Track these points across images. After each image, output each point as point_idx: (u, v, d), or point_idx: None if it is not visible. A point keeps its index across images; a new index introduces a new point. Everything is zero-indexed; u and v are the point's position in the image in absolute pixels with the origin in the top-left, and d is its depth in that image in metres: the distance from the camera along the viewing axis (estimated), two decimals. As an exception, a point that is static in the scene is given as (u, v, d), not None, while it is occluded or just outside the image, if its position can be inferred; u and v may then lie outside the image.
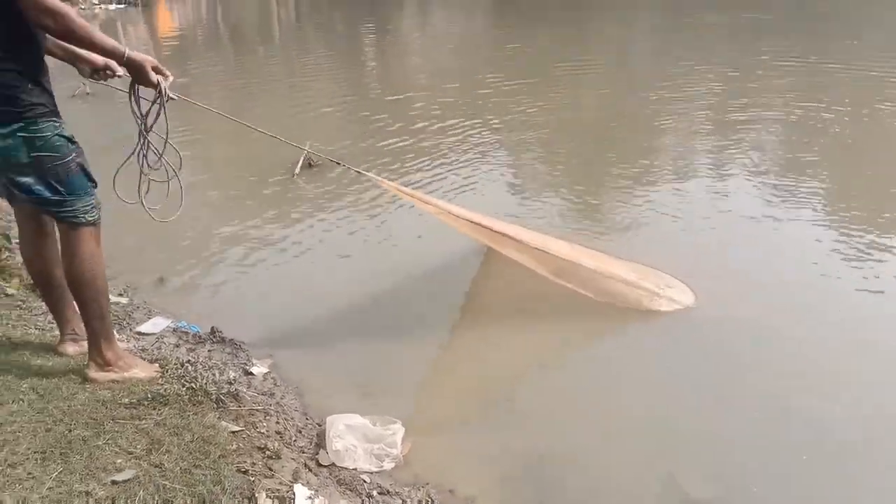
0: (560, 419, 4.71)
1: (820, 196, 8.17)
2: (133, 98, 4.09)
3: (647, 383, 5.00)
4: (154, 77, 3.91)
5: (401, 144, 10.33)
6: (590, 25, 21.87)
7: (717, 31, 19.20)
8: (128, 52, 3.77)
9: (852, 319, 5.63)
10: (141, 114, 4.14)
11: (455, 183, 8.81)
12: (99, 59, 4.08)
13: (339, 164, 5.68)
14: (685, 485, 4.06)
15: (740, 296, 5.86)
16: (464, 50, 18.38)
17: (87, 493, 3.19)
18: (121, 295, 6.03)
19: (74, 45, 3.72)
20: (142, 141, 4.24)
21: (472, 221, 5.56)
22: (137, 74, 3.90)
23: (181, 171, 4.45)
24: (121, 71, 4.11)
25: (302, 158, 9.00)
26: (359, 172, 5.50)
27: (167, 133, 4.23)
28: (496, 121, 11.49)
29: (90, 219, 3.93)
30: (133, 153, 4.29)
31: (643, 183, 8.73)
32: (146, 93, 4.04)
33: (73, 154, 3.82)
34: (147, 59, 3.87)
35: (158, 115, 4.12)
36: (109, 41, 3.68)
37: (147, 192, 4.40)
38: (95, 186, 3.99)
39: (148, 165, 4.33)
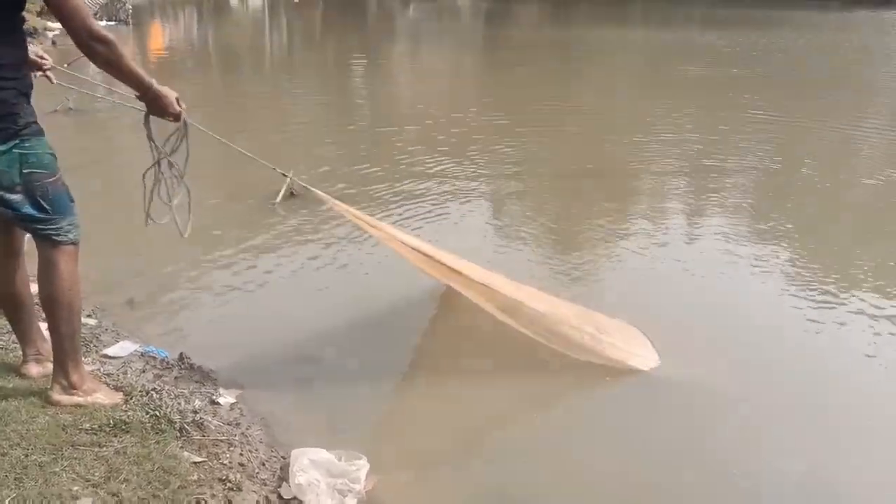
0: (525, 461, 4.68)
1: (792, 252, 8.25)
2: (147, 127, 4.23)
3: (607, 433, 4.98)
4: (177, 108, 4.00)
5: (381, 175, 10.40)
6: (574, 66, 22.26)
7: (700, 84, 19.57)
8: (155, 84, 3.87)
9: (814, 383, 5.62)
10: (157, 145, 4.35)
11: (427, 216, 8.89)
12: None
13: (315, 191, 5.66)
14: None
15: (704, 355, 5.77)
16: (451, 86, 18.62)
17: (41, 521, 3.13)
18: (89, 316, 5.96)
19: (111, 73, 3.75)
20: (159, 168, 4.45)
21: (436, 260, 5.52)
22: (158, 106, 3.97)
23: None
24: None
25: (284, 187, 9.01)
26: (327, 199, 5.53)
27: (187, 159, 4.46)
28: (477, 157, 11.60)
29: (73, 237, 3.94)
30: (154, 182, 4.49)
31: (617, 232, 8.71)
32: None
33: (60, 171, 3.85)
34: (171, 91, 3.98)
35: (179, 143, 4.33)
36: (140, 72, 3.80)
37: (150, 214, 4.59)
38: (73, 203, 3.99)
39: (168, 195, 4.54)
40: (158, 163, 4.41)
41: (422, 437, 4.99)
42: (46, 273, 3.91)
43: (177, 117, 4.10)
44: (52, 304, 3.95)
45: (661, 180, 10.99)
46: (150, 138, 4.31)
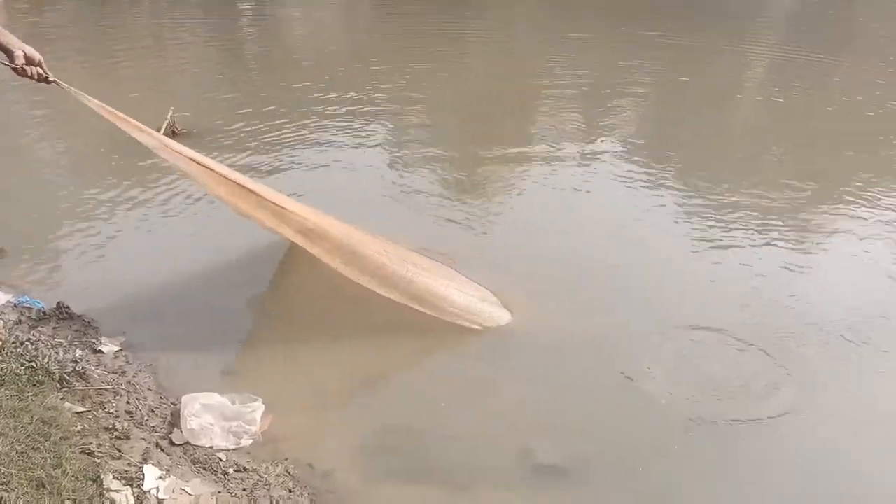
0: (404, 402, 4.80)
1: (676, 191, 8.57)
2: None
3: (470, 380, 5.03)
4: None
5: (278, 114, 10.00)
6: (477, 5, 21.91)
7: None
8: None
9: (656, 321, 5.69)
10: None
11: (322, 158, 8.67)
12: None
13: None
14: (538, 455, 4.30)
15: (558, 312, 5.75)
16: (346, 32, 17.97)
17: None
18: (-45, 268, 5.58)
19: None
20: None
21: (257, 196, 5.03)
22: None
23: None
24: None
25: (164, 125, 8.58)
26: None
27: None
28: (378, 97, 11.31)
29: None
30: None
31: (506, 182, 8.53)
32: None
33: None
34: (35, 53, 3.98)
35: None
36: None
37: None
38: None
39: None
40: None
41: (316, 378, 4.98)
42: None
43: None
44: None
45: (560, 118, 11.08)
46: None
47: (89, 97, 4.62)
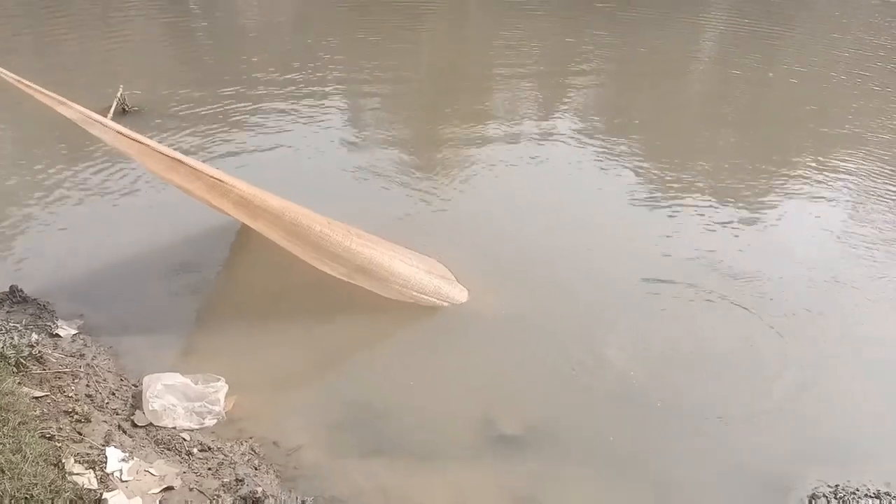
0: (378, 376, 4.85)
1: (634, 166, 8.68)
2: None
3: (429, 356, 5.09)
4: None
5: (230, 91, 9.81)
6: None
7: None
8: None
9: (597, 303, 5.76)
10: None
11: (276, 138, 8.55)
12: None
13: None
14: (498, 426, 4.41)
15: (515, 287, 5.81)
16: (298, 5, 17.54)
17: None
18: None
19: None
20: None
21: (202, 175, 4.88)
22: None
23: None
24: None
25: (115, 103, 8.39)
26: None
27: None
28: (332, 72, 11.16)
29: None
30: None
31: (464, 161, 8.34)
32: None
33: None
34: None
35: None
36: None
37: None
38: None
39: None
40: None
41: (273, 359, 4.96)
42: None
43: None
44: None
45: (513, 88, 11.06)
46: None
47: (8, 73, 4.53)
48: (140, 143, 4.80)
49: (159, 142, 7.84)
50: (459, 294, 5.55)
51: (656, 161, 8.32)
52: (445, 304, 5.45)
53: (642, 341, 5.22)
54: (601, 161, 8.27)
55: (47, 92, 4.69)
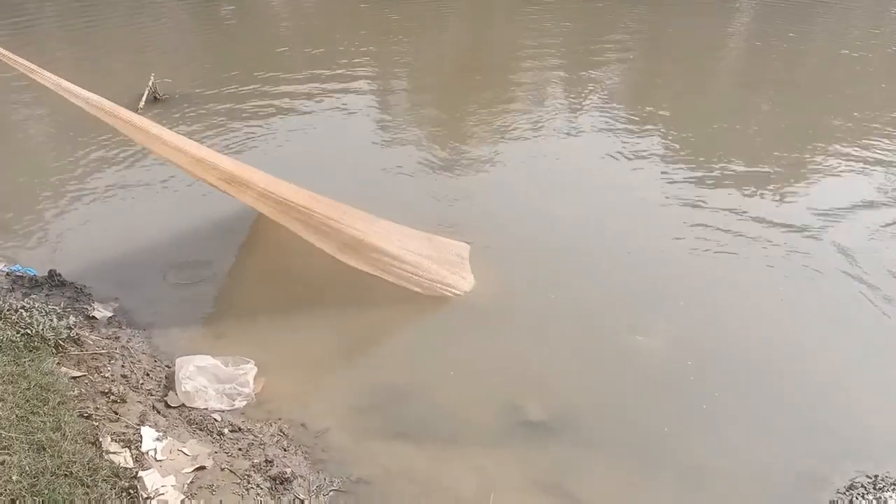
0: (403, 360, 4.91)
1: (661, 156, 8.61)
2: None
3: (443, 343, 5.09)
4: None
5: (259, 79, 9.92)
6: None
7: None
8: None
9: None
10: None
11: (302, 123, 8.64)
12: None
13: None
14: (525, 409, 4.44)
15: (533, 277, 5.78)
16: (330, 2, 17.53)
17: (-89, 446, 3.05)
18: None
19: None
20: None
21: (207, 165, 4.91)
22: None
23: None
24: None
25: (146, 91, 8.53)
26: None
27: None
28: (360, 60, 11.20)
29: None
30: None
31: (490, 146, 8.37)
32: None
33: None
34: None
35: None
36: None
37: None
38: None
39: None
40: None
41: (301, 343, 5.05)
42: None
43: None
44: None
45: (541, 73, 11.00)
46: None
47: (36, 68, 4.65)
48: (128, 121, 4.89)
49: (189, 127, 8.04)
50: (463, 282, 5.49)
51: (686, 159, 8.18)
52: (447, 292, 5.40)
53: (675, 327, 5.20)
54: (628, 150, 8.18)
55: (65, 83, 4.79)
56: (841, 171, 7.71)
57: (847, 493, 3.95)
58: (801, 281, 5.80)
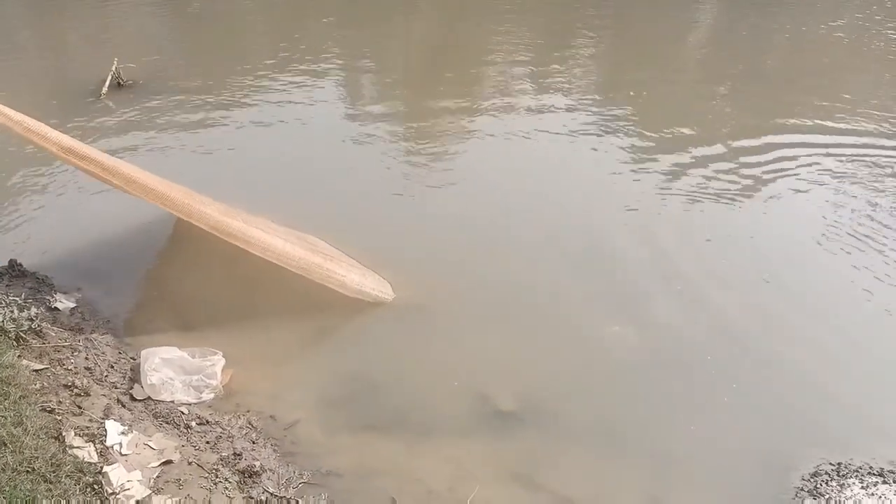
0: (371, 353, 4.88)
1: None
2: None
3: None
4: None
5: (225, 66, 9.77)
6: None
7: None
8: None
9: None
10: None
11: (270, 113, 8.51)
12: None
13: None
14: (495, 399, 4.45)
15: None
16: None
17: None
18: None
19: None
20: None
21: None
22: None
23: None
24: None
25: (109, 77, 8.34)
26: None
27: None
28: (327, 46, 11.06)
29: None
30: None
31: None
32: None
33: None
34: None
35: None
36: None
37: None
38: None
39: None
40: None
41: (267, 334, 4.99)
42: None
43: None
44: None
45: (508, 59, 10.93)
46: None
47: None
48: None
49: (150, 114, 7.89)
50: (382, 289, 5.35)
51: (649, 132, 8.24)
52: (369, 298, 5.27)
53: (642, 315, 5.24)
54: (594, 142, 8.14)
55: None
56: (796, 157, 7.76)
57: (812, 480, 4.01)
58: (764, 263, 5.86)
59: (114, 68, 8.19)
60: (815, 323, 5.28)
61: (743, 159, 7.63)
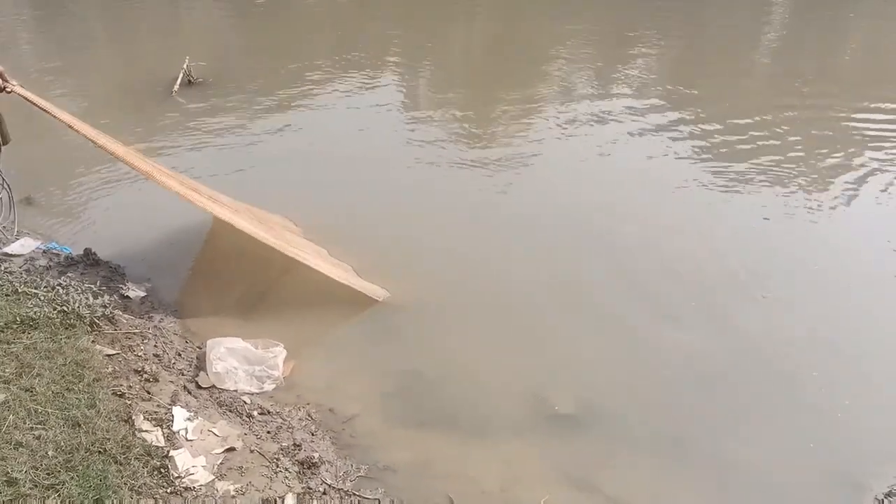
0: (431, 349, 4.90)
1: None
2: None
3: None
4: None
5: (292, 62, 10.00)
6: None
7: None
8: None
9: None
10: None
11: (335, 107, 8.68)
12: None
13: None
14: (553, 401, 4.41)
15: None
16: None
17: (-48, 418, 3.12)
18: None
19: None
20: None
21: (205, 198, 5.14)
22: None
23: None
24: None
25: (181, 75, 8.60)
26: None
27: None
28: (393, 46, 11.22)
29: None
30: None
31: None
32: None
33: None
34: None
35: None
36: None
37: None
38: None
39: None
40: None
41: (328, 328, 5.10)
42: None
43: None
44: None
45: (571, 63, 10.92)
46: None
47: (55, 108, 4.80)
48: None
49: (220, 113, 8.10)
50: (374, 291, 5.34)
51: (714, 140, 8.08)
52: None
53: (706, 322, 5.13)
54: (653, 138, 8.11)
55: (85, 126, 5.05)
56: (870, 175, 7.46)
57: (887, 500, 3.83)
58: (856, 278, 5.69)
59: (185, 66, 8.44)
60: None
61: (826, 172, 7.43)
